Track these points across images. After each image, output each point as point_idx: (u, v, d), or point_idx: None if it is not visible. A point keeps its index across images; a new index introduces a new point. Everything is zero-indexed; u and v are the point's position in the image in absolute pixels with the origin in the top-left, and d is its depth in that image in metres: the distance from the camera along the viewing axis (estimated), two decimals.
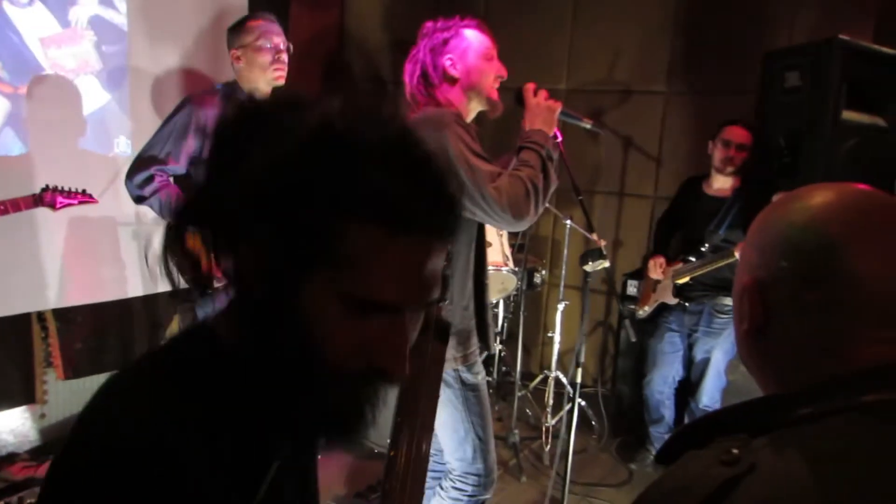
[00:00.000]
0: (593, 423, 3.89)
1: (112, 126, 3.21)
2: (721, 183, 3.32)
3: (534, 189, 1.86)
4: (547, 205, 3.74)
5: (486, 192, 1.82)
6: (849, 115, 3.05)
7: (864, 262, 0.73)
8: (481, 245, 2.11)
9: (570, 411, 2.60)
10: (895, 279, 0.73)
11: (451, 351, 1.96)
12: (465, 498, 2.11)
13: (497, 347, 4.15)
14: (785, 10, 3.89)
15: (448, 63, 2.01)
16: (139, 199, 2.61)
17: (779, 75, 3.23)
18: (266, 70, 2.60)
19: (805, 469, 0.66)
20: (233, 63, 2.65)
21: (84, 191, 2.46)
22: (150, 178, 2.56)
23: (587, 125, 2.19)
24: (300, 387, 0.72)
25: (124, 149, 3.25)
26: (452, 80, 2.02)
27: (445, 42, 2.01)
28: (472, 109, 2.08)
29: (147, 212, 3.32)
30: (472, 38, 2.02)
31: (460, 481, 2.10)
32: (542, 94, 2.04)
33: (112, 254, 3.24)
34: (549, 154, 1.95)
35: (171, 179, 2.63)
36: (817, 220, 0.76)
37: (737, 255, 2.94)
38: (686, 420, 3.45)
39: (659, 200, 4.36)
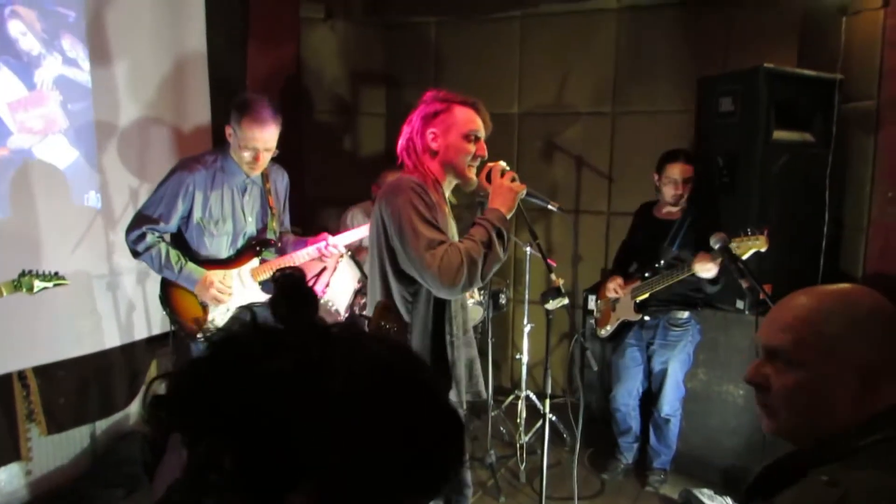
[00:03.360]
0: (565, 435, 4.06)
1: (82, 181, 3.28)
2: (670, 207, 3.50)
3: (470, 261, 2.02)
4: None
5: (423, 257, 1.99)
6: (779, 134, 3.30)
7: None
8: (440, 303, 2.21)
9: (542, 430, 2.74)
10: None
11: None
12: None
13: None
14: (717, 35, 4.14)
15: (430, 136, 2.19)
16: (135, 254, 2.91)
17: (713, 100, 3.46)
18: (244, 165, 2.92)
19: (885, 480, 0.99)
20: (225, 132, 2.93)
21: (57, 273, 2.57)
22: (143, 236, 2.86)
23: (552, 207, 2.36)
24: None
25: (94, 203, 3.33)
26: (433, 153, 2.21)
27: (436, 114, 2.20)
28: (450, 182, 2.26)
29: (119, 262, 3.43)
30: (460, 117, 2.20)
31: None
32: (508, 175, 2.22)
33: (88, 307, 3.31)
34: (499, 232, 2.12)
35: (167, 237, 2.94)
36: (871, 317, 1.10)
37: (696, 267, 3.13)
38: (651, 429, 3.64)
39: (613, 216, 4.57)
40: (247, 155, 2.85)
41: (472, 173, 2.24)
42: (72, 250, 3.21)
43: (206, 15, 3.94)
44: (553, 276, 2.34)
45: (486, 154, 2.26)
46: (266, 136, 2.83)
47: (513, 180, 2.22)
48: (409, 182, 2.11)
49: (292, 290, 0.82)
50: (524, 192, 2.23)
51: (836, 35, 3.38)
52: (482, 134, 2.25)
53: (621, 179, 4.52)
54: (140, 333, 3.56)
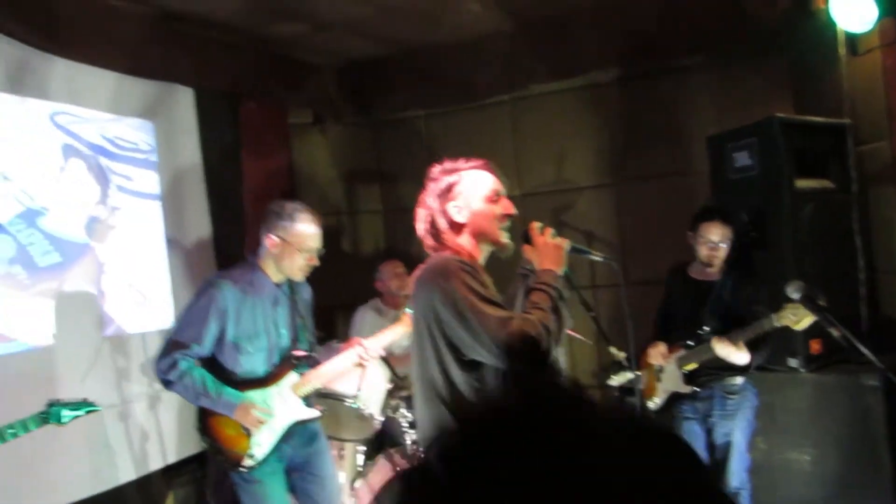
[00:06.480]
0: None
1: (85, 307, 3.12)
2: (707, 269, 3.30)
3: (546, 331, 1.83)
4: None
5: (499, 338, 1.79)
6: (801, 183, 3.25)
7: None
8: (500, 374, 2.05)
9: None
10: None
11: None
12: None
13: None
14: (708, 95, 4.17)
15: (455, 210, 2.02)
16: (166, 384, 2.63)
17: (726, 156, 3.41)
18: (297, 271, 2.73)
19: None
20: (265, 244, 2.70)
21: (85, 399, 2.32)
22: (175, 364, 2.58)
23: (597, 257, 2.24)
24: None
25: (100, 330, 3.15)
26: (459, 227, 2.03)
27: (450, 188, 2.03)
28: (483, 251, 2.08)
29: (129, 389, 3.21)
30: (477, 181, 2.04)
31: None
32: (548, 231, 2.08)
33: (101, 441, 3.07)
34: (560, 294, 1.95)
35: (197, 362, 2.65)
36: None
37: (718, 351, 2.95)
38: None
39: (630, 288, 4.43)
40: (304, 258, 2.70)
41: (505, 237, 2.07)
42: (81, 380, 2.99)
43: (199, 129, 3.91)
44: (613, 350, 2.18)
45: (513, 210, 2.09)
46: (320, 236, 2.74)
47: (553, 236, 2.08)
48: (453, 263, 1.92)
49: None
50: (569, 245, 2.09)
51: (834, 80, 3.39)
52: (504, 191, 2.10)
53: (634, 249, 4.43)
54: (155, 464, 3.30)
